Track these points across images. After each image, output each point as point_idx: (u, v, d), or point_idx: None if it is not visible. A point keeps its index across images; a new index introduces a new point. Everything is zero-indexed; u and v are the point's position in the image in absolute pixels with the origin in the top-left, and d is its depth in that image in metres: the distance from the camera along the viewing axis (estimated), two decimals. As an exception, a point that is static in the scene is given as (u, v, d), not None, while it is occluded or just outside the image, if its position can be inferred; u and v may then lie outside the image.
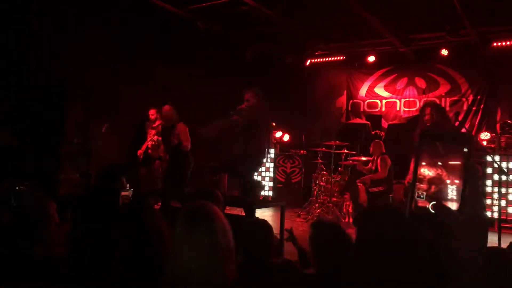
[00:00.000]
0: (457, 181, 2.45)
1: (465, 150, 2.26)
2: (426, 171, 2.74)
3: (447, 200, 2.49)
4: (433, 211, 2.30)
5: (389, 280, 1.55)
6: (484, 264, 1.56)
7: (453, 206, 2.40)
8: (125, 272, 1.70)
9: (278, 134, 9.48)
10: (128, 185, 7.05)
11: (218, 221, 1.58)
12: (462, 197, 2.19)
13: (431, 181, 2.75)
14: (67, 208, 2.39)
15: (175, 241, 1.58)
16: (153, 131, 7.04)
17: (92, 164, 6.24)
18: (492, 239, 5.77)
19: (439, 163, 2.55)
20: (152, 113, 7.12)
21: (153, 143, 6.97)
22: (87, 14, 6.67)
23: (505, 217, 6.64)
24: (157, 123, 7.02)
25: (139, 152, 7.00)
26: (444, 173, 2.59)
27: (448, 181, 2.59)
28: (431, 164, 2.75)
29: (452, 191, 2.59)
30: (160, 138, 6.82)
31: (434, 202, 2.33)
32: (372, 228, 1.79)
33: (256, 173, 5.37)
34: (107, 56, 6.99)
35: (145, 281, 1.69)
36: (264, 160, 5.02)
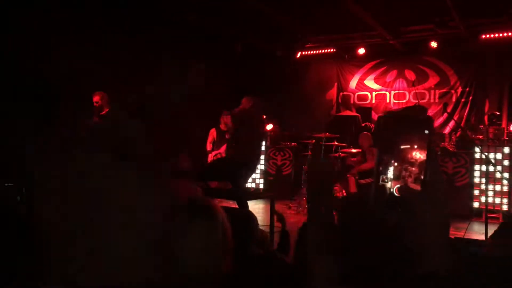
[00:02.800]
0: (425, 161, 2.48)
1: (426, 132, 2.30)
2: (418, 154, 2.77)
3: (416, 180, 2.52)
4: (398, 195, 2.34)
5: (358, 268, 1.58)
6: (446, 244, 1.60)
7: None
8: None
9: (269, 126, 9.48)
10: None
11: (219, 216, 1.59)
12: (424, 179, 2.23)
13: (422, 164, 2.78)
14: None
15: (173, 234, 1.57)
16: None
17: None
18: (480, 229, 5.88)
19: (409, 145, 2.58)
20: (96, 100, 6.22)
21: None
22: (76, 10, 6.59)
23: (492, 207, 6.74)
24: (105, 110, 6.28)
25: None
26: (415, 154, 2.62)
27: (417, 161, 2.62)
28: (422, 147, 2.77)
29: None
30: None
31: (399, 185, 2.37)
32: (342, 218, 1.83)
33: (245, 181, 5.29)
34: (97, 51, 6.91)
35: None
36: (252, 169, 5.00)
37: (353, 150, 7.60)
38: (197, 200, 1.63)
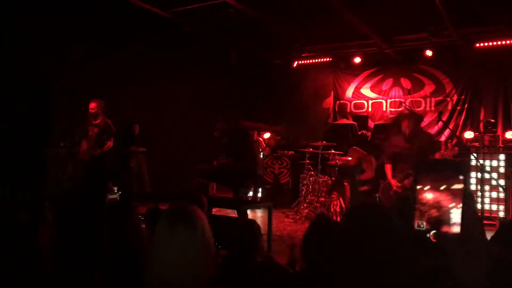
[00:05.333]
0: (459, 205, 2.50)
1: (461, 177, 2.30)
2: (429, 195, 2.79)
3: (450, 224, 2.52)
4: (434, 240, 2.35)
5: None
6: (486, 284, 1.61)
7: (456, 229, 2.44)
8: (107, 273, 1.72)
9: (267, 135, 9.53)
10: (116, 188, 7.01)
11: (198, 222, 1.59)
12: (461, 224, 2.24)
13: (432, 205, 2.80)
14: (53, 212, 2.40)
15: (155, 241, 1.59)
16: (96, 129, 6.10)
17: (79, 167, 6.21)
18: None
19: (442, 188, 2.61)
20: (93, 107, 6.10)
21: (93, 142, 6.08)
22: (73, 15, 6.64)
23: (488, 214, 6.78)
24: (99, 119, 6.16)
25: (81, 155, 6.13)
26: (448, 198, 2.64)
27: (451, 205, 2.63)
28: (434, 189, 2.81)
29: (455, 215, 2.64)
30: (107, 140, 6.07)
31: (435, 231, 2.36)
32: (358, 227, 1.82)
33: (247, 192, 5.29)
34: (94, 58, 6.96)
35: (125, 282, 1.71)
36: (255, 181, 5.06)
37: (350, 158, 7.63)
38: (177, 208, 1.65)
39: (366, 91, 10.39)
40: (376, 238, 1.70)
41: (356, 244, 1.74)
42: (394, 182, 5.15)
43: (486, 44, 8.30)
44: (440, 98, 9.52)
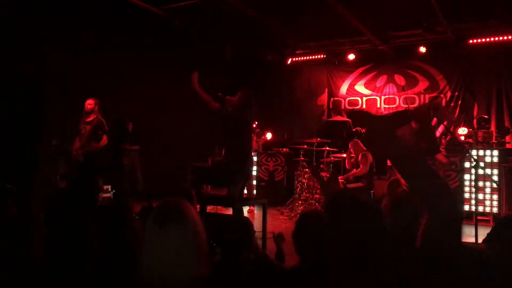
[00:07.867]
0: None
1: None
2: None
3: None
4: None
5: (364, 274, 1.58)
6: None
7: None
8: (98, 272, 1.69)
9: (268, 135, 9.53)
10: (109, 187, 6.96)
11: (189, 217, 1.56)
12: None
13: None
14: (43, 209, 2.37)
15: (145, 237, 1.56)
16: (89, 127, 5.96)
17: (71, 165, 6.15)
18: (470, 232, 5.91)
19: None
20: (90, 103, 5.98)
21: (85, 140, 5.94)
22: (65, 12, 6.57)
23: (482, 210, 6.81)
24: (92, 117, 6.00)
25: (74, 153, 5.96)
26: None
27: None
28: None
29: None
30: (101, 137, 5.95)
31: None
32: (348, 221, 1.81)
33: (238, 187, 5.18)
34: (85, 56, 6.90)
35: (117, 281, 1.68)
36: (245, 175, 4.91)
37: (344, 155, 7.62)
38: (167, 204, 1.62)
39: (360, 87, 10.38)
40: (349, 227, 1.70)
41: (335, 234, 1.74)
42: (403, 181, 4.70)
43: (479, 40, 8.32)
44: (434, 94, 9.54)
